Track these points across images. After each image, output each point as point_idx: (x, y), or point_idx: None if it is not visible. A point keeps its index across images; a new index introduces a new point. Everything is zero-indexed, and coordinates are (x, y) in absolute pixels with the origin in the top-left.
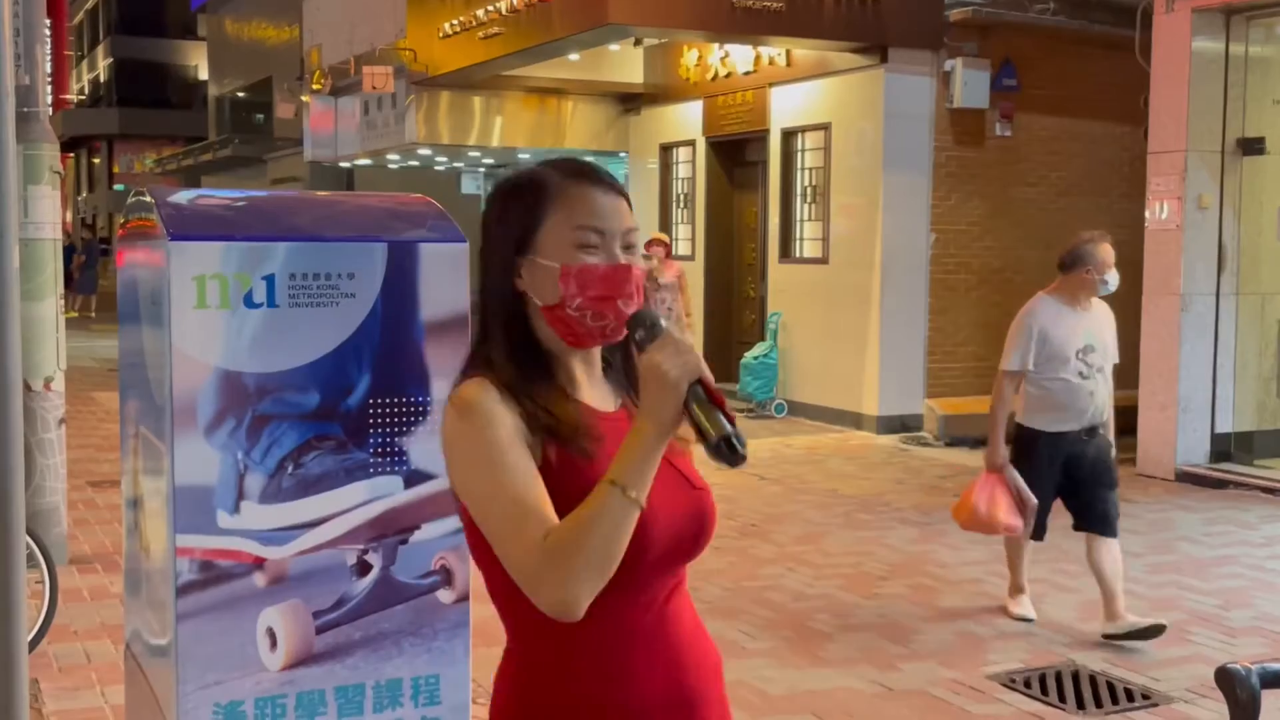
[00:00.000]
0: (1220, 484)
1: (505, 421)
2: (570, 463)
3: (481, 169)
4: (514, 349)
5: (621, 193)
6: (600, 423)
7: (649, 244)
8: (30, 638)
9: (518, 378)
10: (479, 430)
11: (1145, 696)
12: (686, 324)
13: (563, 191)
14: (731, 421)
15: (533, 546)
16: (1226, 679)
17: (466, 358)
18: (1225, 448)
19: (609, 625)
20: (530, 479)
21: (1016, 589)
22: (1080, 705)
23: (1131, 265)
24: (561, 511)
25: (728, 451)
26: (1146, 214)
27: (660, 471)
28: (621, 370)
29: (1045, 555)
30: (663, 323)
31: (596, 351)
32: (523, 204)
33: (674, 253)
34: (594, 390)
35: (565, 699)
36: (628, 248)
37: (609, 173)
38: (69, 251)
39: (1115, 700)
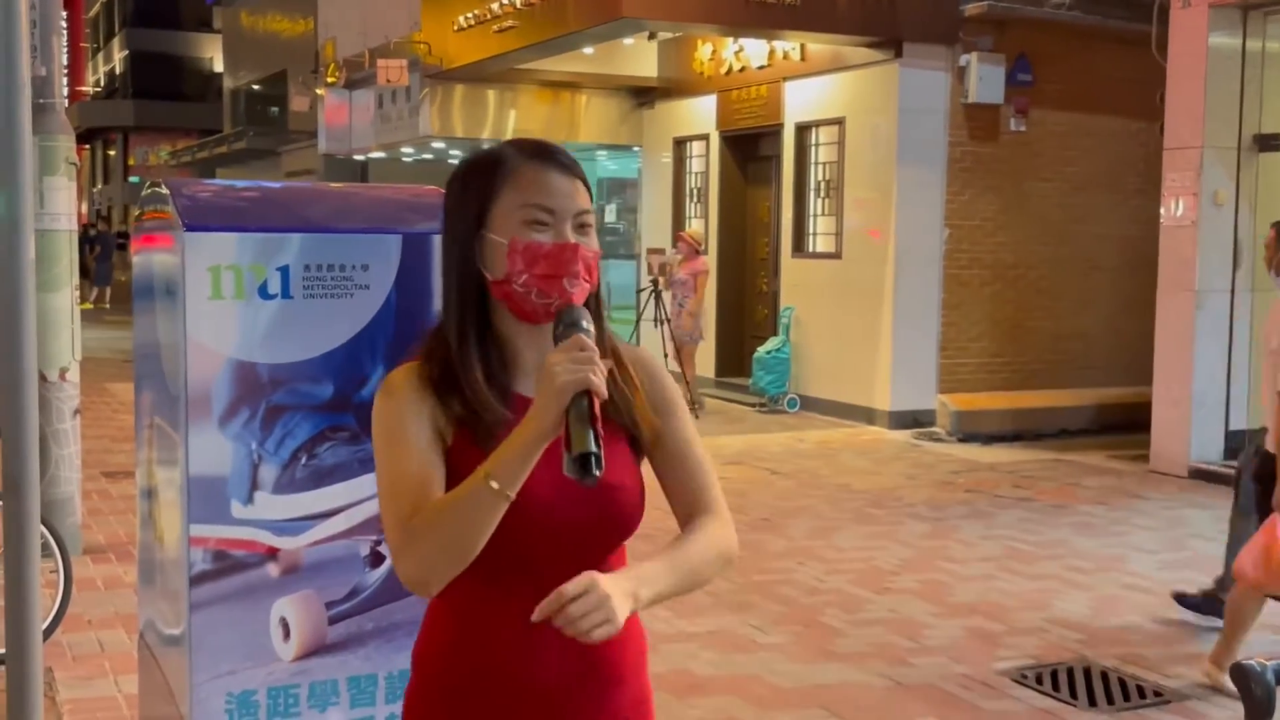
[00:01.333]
0: (1234, 481)
1: (412, 401)
2: (477, 454)
3: None
4: (464, 328)
5: (578, 175)
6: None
7: (677, 237)
8: (45, 627)
9: (452, 364)
10: (387, 408)
11: (1157, 693)
12: (689, 322)
13: (517, 169)
14: (598, 437)
15: (398, 521)
16: (1242, 675)
17: (420, 338)
18: (1239, 445)
19: (510, 606)
20: (420, 458)
21: (1229, 656)
22: (1092, 702)
23: (1146, 261)
24: None
25: (580, 469)
26: (1162, 210)
27: (550, 460)
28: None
29: (1056, 551)
30: (583, 324)
31: (549, 334)
32: (480, 181)
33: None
34: (535, 372)
35: (466, 674)
36: (580, 228)
37: (568, 154)
38: (85, 243)
39: (1127, 697)
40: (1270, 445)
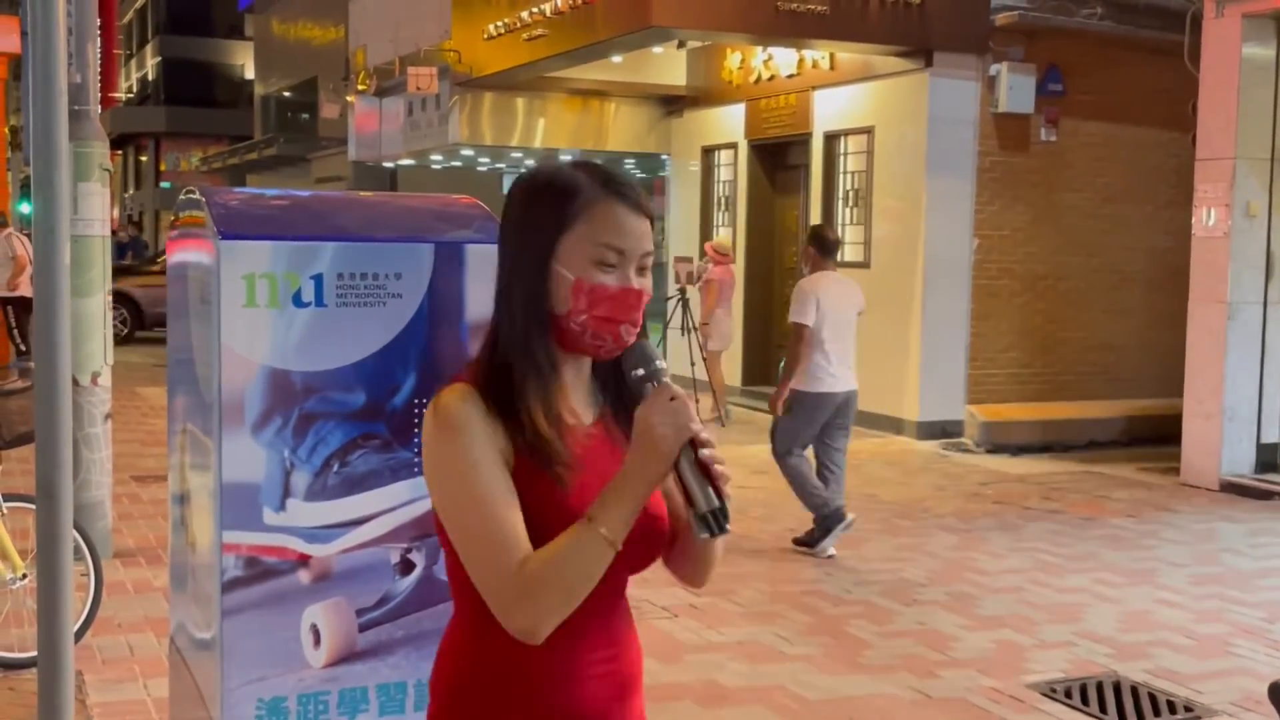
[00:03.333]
0: (1265, 495)
1: (482, 434)
2: (541, 480)
3: (523, 169)
4: (534, 363)
5: (647, 214)
6: (578, 442)
7: (705, 248)
8: (75, 630)
9: (514, 389)
10: (454, 443)
11: (1188, 709)
12: (704, 330)
13: (592, 203)
14: (719, 492)
15: (506, 573)
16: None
17: (470, 361)
18: (1271, 458)
19: (559, 629)
20: (506, 499)
21: None
22: (1121, 717)
23: (1178, 273)
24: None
25: (709, 525)
26: (1193, 221)
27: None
28: (608, 381)
29: (1086, 564)
30: (659, 365)
31: (585, 364)
32: (553, 208)
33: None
34: (576, 396)
35: (510, 688)
36: (641, 270)
37: (637, 189)
38: (120, 249)
39: (1157, 712)
40: None
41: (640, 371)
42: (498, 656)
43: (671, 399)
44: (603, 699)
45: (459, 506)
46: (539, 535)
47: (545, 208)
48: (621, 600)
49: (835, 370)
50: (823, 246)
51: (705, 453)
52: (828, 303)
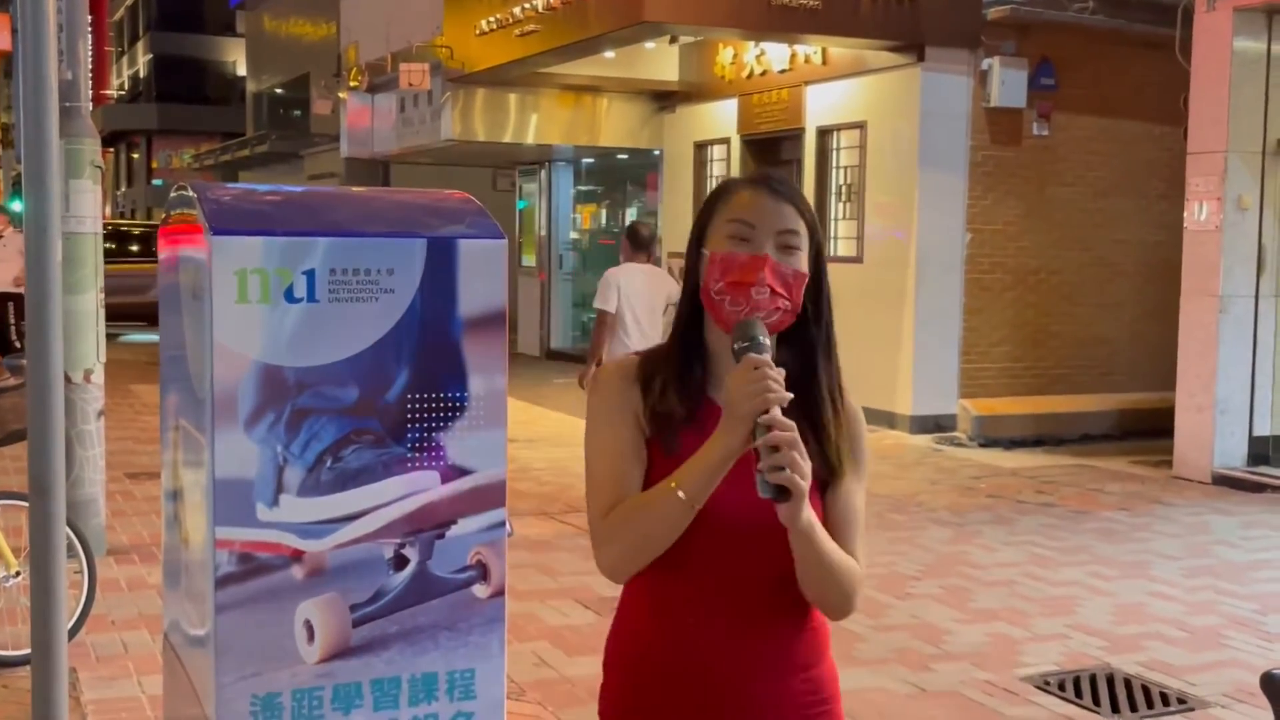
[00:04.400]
0: (1258, 487)
1: (620, 397)
2: (659, 450)
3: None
4: (677, 332)
5: (792, 201)
6: (716, 418)
7: None
8: (69, 627)
9: (662, 369)
10: (595, 399)
11: (1181, 701)
12: None
13: (734, 192)
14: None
15: (598, 516)
16: (1272, 685)
17: None
18: (1263, 451)
19: (692, 596)
20: (621, 451)
21: None
22: (1115, 709)
23: (1169, 266)
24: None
25: (773, 491)
26: (1185, 215)
27: (745, 475)
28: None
29: (1079, 558)
30: (761, 339)
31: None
32: (706, 206)
33: None
34: None
35: (648, 657)
36: (784, 248)
37: (788, 183)
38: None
39: (1150, 704)
40: None
41: (740, 344)
42: (643, 614)
43: (755, 369)
44: (739, 664)
45: (588, 452)
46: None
47: (705, 206)
48: (770, 591)
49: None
50: (635, 241)
51: (775, 434)
52: (630, 290)
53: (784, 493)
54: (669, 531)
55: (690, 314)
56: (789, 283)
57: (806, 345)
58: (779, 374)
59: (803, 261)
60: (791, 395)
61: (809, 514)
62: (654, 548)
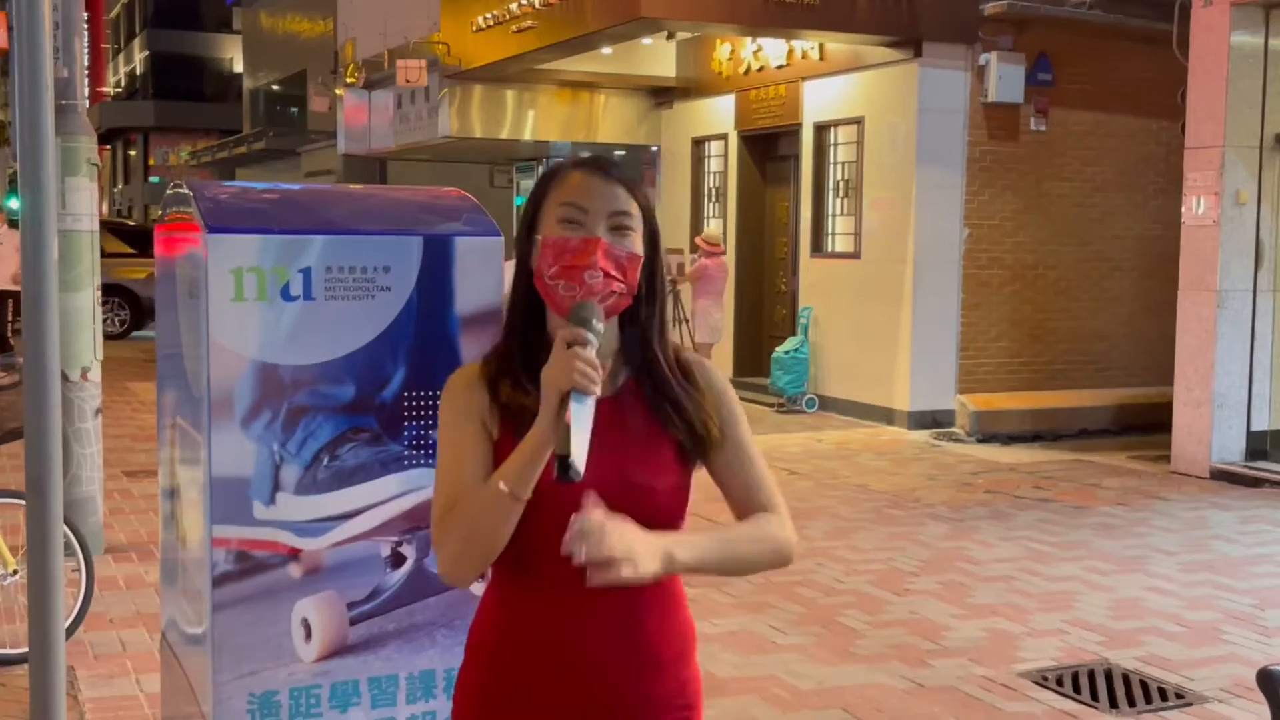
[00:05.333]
0: (1255, 482)
1: (464, 402)
2: (515, 446)
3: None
4: (512, 323)
5: (621, 181)
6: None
7: (695, 243)
8: (66, 625)
9: (505, 365)
10: (443, 407)
11: (1179, 696)
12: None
13: (562, 176)
14: (567, 445)
15: (437, 516)
16: (1268, 681)
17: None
18: (1261, 445)
19: (548, 596)
20: (464, 454)
21: None
22: (1113, 704)
23: (1167, 261)
24: None
25: (561, 473)
26: (1183, 209)
27: (609, 459)
28: (631, 355)
29: (1077, 553)
30: (594, 321)
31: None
32: (536, 190)
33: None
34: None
35: (507, 640)
36: (616, 229)
37: (616, 163)
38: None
39: (1149, 700)
40: None
41: (570, 327)
42: (502, 614)
43: (569, 347)
44: (606, 658)
45: (438, 458)
46: (527, 509)
47: (535, 191)
48: (630, 592)
49: None
50: None
51: (570, 409)
52: None
53: (567, 474)
54: (497, 526)
55: (528, 304)
56: (623, 265)
57: (644, 326)
58: (591, 356)
59: (636, 243)
60: (597, 387)
61: (663, 562)
62: (485, 545)
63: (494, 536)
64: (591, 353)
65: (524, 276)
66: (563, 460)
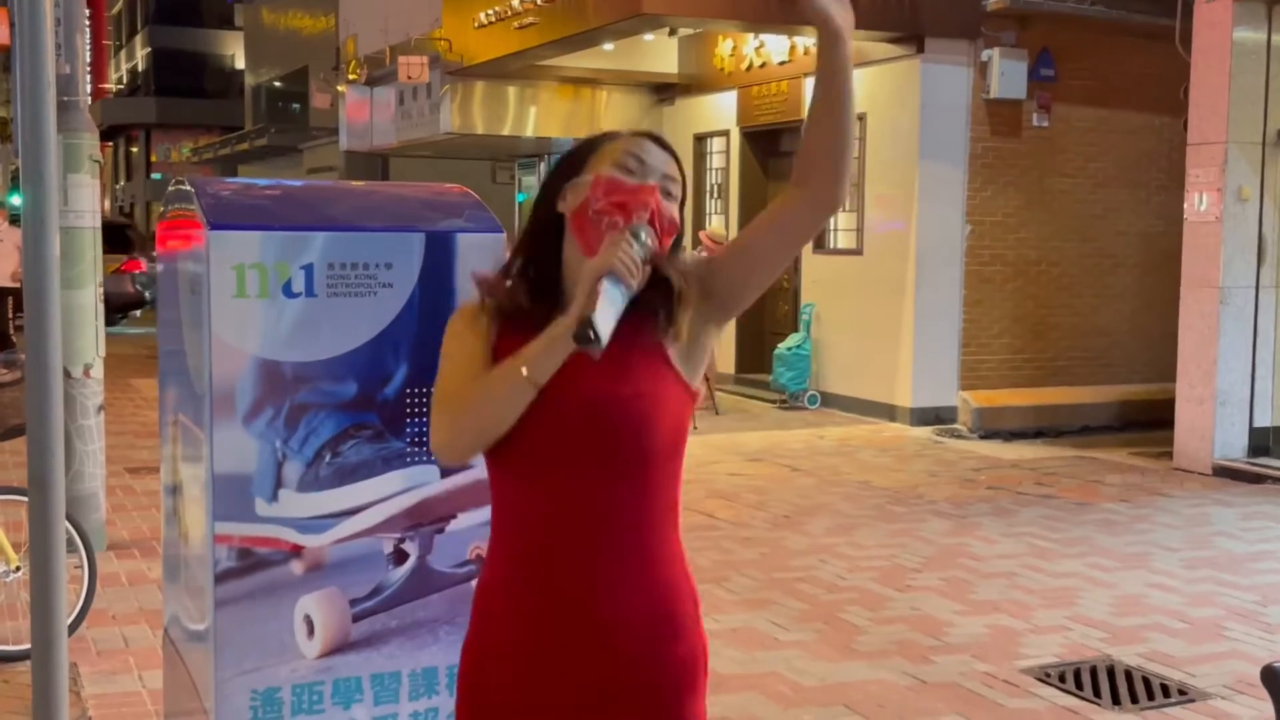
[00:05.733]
0: (1258, 479)
1: (467, 328)
2: (518, 343)
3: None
4: (524, 247)
5: (673, 155)
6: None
7: (698, 237)
8: (69, 622)
9: (512, 282)
10: (447, 334)
11: (1182, 692)
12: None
13: (620, 136)
14: (592, 319)
15: (438, 395)
16: (1272, 677)
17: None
18: (1264, 442)
19: (521, 508)
20: (465, 358)
21: None
22: (1116, 701)
23: (1169, 257)
24: None
25: (582, 333)
26: (1185, 206)
27: (582, 366)
28: (662, 319)
29: (1079, 549)
30: (643, 237)
31: (650, 250)
32: (583, 146)
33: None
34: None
35: (492, 572)
36: (665, 193)
37: (668, 141)
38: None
39: (1151, 696)
40: None
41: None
42: (504, 568)
43: (618, 240)
44: (624, 612)
45: (437, 375)
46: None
47: (581, 146)
48: (612, 504)
49: None
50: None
51: (604, 285)
52: None
53: (587, 335)
54: (506, 408)
55: (540, 232)
56: (664, 225)
57: (662, 296)
58: (638, 255)
59: (676, 212)
60: (635, 281)
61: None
62: (489, 423)
63: (500, 416)
64: (637, 255)
65: (547, 211)
66: (588, 323)
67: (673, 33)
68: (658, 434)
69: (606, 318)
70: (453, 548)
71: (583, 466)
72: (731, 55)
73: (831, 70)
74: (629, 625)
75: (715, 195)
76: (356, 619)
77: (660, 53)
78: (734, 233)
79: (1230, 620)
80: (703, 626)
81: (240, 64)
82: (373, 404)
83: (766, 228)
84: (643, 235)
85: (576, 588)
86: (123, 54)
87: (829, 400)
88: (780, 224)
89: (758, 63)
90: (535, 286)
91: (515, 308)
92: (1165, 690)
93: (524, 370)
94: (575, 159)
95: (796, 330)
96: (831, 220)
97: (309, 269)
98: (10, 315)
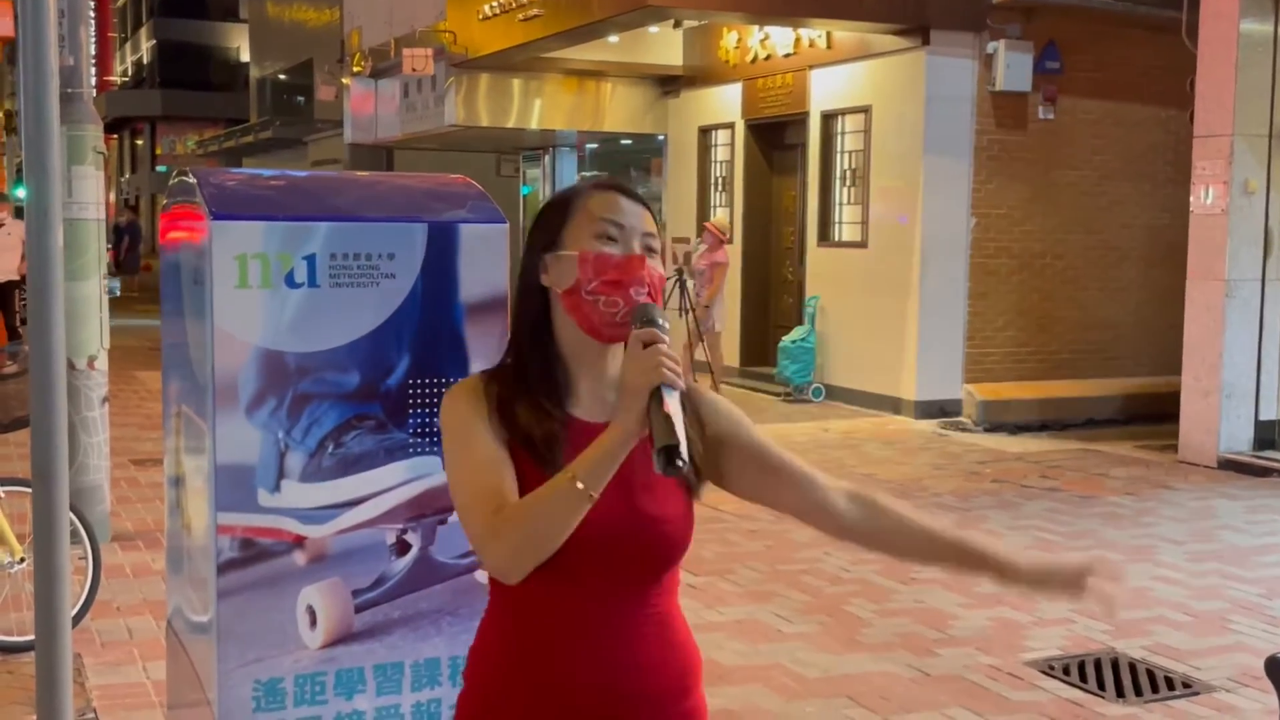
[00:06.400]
0: (1263, 472)
1: (474, 413)
2: (538, 472)
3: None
4: (523, 341)
5: (645, 205)
6: (582, 434)
7: (703, 227)
8: (74, 613)
9: (519, 386)
10: (453, 412)
11: (1186, 685)
12: (702, 313)
13: (589, 195)
14: (673, 434)
15: (487, 515)
16: (1277, 669)
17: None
18: (1269, 435)
19: (552, 610)
20: (492, 456)
21: None
22: (1120, 693)
23: (1175, 250)
24: None
25: (663, 462)
26: (1191, 198)
27: (617, 487)
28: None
29: (1084, 542)
30: (659, 321)
31: (607, 363)
32: (554, 210)
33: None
34: (594, 402)
35: (507, 667)
36: (647, 250)
37: (631, 184)
38: (117, 233)
39: (1155, 689)
40: None
41: (638, 324)
42: (505, 638)
43: (645, 346)
44: (610, 689)
45: (453, 462)
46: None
47: (552, 211)
48: (637, 608)
49: None
50: None
51: (668, 402)
52: None
53: (671, 460)
54: (565, 525)
55: (533, 318)
56: (655, 286)
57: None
58: (674, 354)
59: (659, 265)
60: (682, 380)
61: None
62: (550, 542)
63: (560, 534)
64: (667, 348)
65: (533, 292)
66: (670, 450)
67: (677, 25)
68: (676, 552)
69: (682, 435)
70: (455, 539)
71: (615, 571)
72: (736, 48)
73: (972, 572)
74: (647, 696)
75: (720, 188)
76: (359, 610)
77: (665, 45)
78: (738, 227)
79: (1235, 613)
80: (699, 695)
81: (245, 56)
82: (375, 395)
83: (793, 493)
84: (654, 315)
85: (598, 673)
86: (128, 46)
87: (833, 393)
88: (805, 506)
89: (763, 55)
90: (539, 376)
91: (521, 393)
92: (1170, 683)
93: (580, 485)
94: (550, 226)
95: (801, 323)
96: (836, 213)
97: (311, 259)
98: (18, 308)
